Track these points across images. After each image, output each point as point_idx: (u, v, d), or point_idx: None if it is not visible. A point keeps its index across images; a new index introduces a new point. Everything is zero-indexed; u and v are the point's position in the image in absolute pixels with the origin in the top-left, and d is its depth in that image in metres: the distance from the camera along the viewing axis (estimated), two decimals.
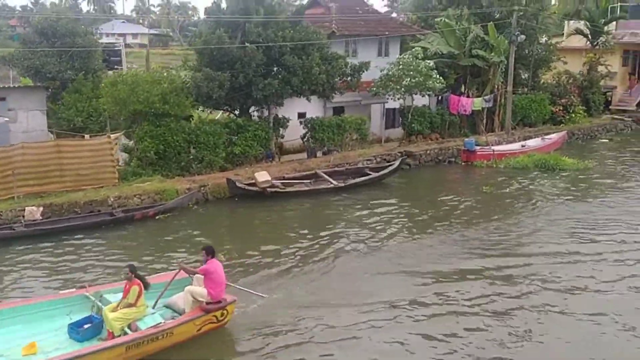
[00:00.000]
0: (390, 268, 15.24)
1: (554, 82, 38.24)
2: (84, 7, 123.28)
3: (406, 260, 15.80)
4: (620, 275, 14.69)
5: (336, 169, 24.45)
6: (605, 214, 19.99)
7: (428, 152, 27.86)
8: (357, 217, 19.95)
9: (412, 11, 37.26)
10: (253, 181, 21.61)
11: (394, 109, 31.37)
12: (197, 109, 25.06)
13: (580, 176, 25.51)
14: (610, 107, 42.89)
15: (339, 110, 29.99)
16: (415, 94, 29.13)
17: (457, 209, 20.89)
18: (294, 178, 23.22)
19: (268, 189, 21.53)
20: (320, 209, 21.02)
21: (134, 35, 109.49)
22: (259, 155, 24.71)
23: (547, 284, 14.19)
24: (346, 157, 25.75)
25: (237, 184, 21.29)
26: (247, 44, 22.58)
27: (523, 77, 35.44)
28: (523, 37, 31.21)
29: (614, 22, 43.50)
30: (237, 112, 25.38)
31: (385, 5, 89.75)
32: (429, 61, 28.76)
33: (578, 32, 40.30)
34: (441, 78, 28.86)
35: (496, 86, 32.58)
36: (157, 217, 19.06)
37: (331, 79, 24.94)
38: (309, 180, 23.30)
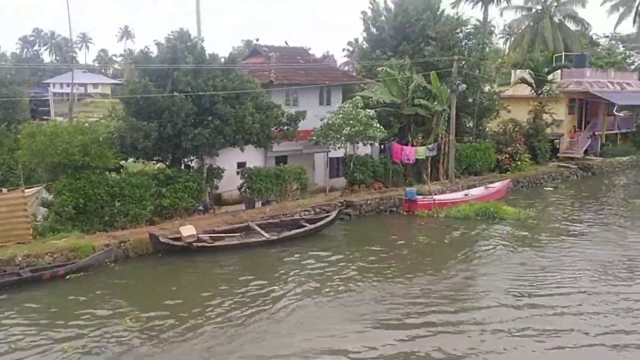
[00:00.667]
0: (313, 326, 14.34)
1: (501, 130, 38.51)
2: (46, 57, 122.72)
3: (331, 316, 14.93)
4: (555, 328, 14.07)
5: (271, 221, 23.59)
6: (542, 264, 19.54)
7: (369, 202, 27.27)
8: (286, 271, 19.03)
9: (358, 60, 37.33)
10: (178, 235, 20.57)
11: (338, 158, 30.90)
12: (126, 160, 24.07)
13: (519, 225, 25.14)
14: (558, 154, 43.44)
15: (281, 160, 29.36)
16: (357, 142, 28.80)
17: (390, 260, 20.19)
18: (224, 231, 22.24)
19: (194, 244, 20.50)
20: (249, 264, 20.03)
21: (95, 85, 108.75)
22: (190, 207, 23.72)
23: (483, 334, 13.62)
24: (284, 208, 24.94)
25: (161, 238, 20.22)
26: (175, 93, 21.92)
27: (468, 125, 35.50)
28: (464, 86, 31.38)
29: (560, 71, 44.63)
30: (167, 163, 24.46)
31: (344, 56, 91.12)
32: (369, 110, 28.55)
33: (523, 81, 40.96)
34: (382, 127, 28.62)
35: (440, 135, 32.50)
36: (67, 277, 17.80)
37: (266, 128, 24.36)
38: (240, 234, 22.34)
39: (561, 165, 38.42)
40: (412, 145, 32.40)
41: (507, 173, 35.63)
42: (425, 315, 15.16)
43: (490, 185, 31.04)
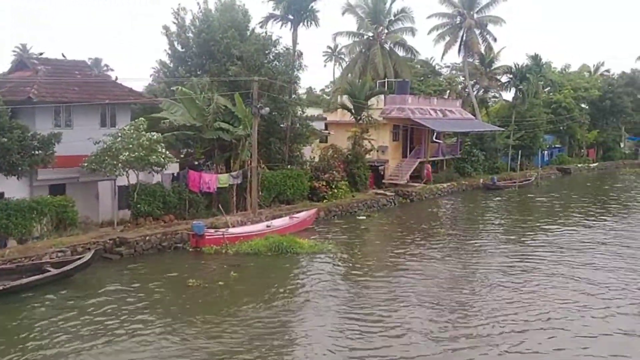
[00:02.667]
0: None
1: (320, 156, 37.02)
2: None
3: None
4: None
5: (6, 266, 19.30)
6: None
7: (148, 238, 23.74)
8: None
9: (160, 80, 33.95)
10: None
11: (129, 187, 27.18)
12: None
13: (312, 261, 22.97)
14: (383, 181, 42.89)
15: (57, 189, 25.09)
16: (144, 170, 25.37)
17: (144, 311, 16.84)
18: None
19: None
20: None
21: None
22: None
23: None
24: (30, 250, 20.71)
25: None
26: None
27: (280, 151, 33.33)
28: (267, 109, 29.22)
29: (383, 97, 44.43)
30: None
31: (150, 75, 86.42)
32: (153, 133, 25.24)
33: (343, 106, 39.95)
34: (168, 153, 25.46)
35: (246, 161, 29.94)
36: None
37: (7, 154, 20.14)
38: None
39: (378, 192, 37.52)
40: (217, 172, 29.58)
41: (324, 201, 33.95)
42: None
43: (295, 216, 28.87)
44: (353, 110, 38.99)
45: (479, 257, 24.13)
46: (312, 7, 33.98)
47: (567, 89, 63.17)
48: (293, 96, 33.34)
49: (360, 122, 39.19)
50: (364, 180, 38.25)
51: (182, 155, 30.65)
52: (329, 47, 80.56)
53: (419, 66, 72.74)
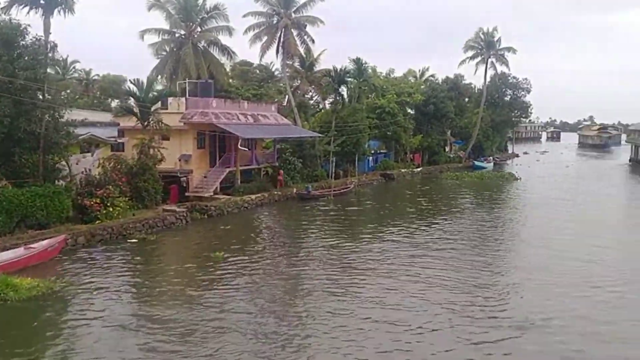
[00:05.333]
0: None
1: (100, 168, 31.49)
2: None
3: None
4: None
5: None
6: None
7: None
8: None
9: None
10: None
11: None
12: None
13: (20, 312, 17.58)
14: (187, 194, 38.16)
15: None
16: None
17: None
18: None
19: None
20: None
21: None
22: None
23: None
24: None
25: None
26: None
27: (28, 164, 27.28)
28: None
29: (184, 100, 39.77)
30: None
31: None
32: None
33: (128, 111, 34.66)
34: None
35: None
36: None
37: None
38: None
39: (167, 209, 32.63)
40: None
41: (96, 222, 28.45)
42: None
43: (31, 245, 23.05)
44: (139, 115, 33.82)
45: (247, 291, 20.28)
46: None
47: (390, 94, 62.73)
48: (48, 97, 27.38)
49: (149, 128, 34.12)
50: (154, 195, 33.16)
51: None
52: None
53: (257, 71, 69.37)
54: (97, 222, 28.62)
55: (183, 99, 39.89)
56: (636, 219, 37.96)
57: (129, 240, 27.39)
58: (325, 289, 20.08)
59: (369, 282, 21.17)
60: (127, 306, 18.34)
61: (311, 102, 68.73)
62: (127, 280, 21.28)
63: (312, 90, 60.39)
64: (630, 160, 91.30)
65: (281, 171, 44.96)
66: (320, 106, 64.68)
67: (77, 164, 30.50)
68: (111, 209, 29.51)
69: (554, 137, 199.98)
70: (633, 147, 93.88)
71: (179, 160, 38.78)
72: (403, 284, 20.83)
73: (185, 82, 42.30)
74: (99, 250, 25.62)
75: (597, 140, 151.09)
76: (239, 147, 39.38)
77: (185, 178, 39.08)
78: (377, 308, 18.07)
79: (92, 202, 29.11)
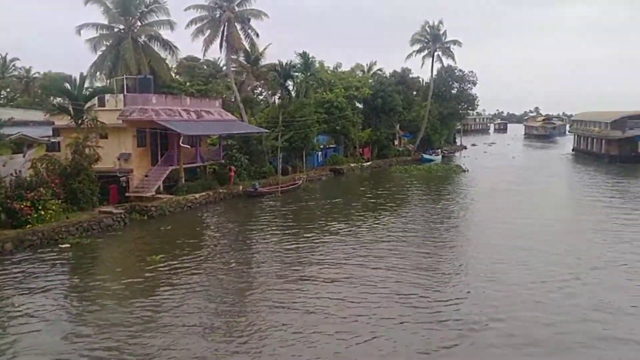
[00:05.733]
0: None
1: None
2: None
3: None
4: None
5: None
6: None
7: None
8: None
9: None
10: None
11: None
12: None
13: None
14: (127, 194, 36.74)
15: None
16: None
17: None
18: None
19: None
20: None
21: None
22: None
23: None
24: None
25: None
26: None
27: None
28: None
29: (122, 97, 38.29)
30: None
31: None
32: None
33: (61, 109, 33.03)
34: None
35: None
36: None
37: None
38: None
39: (103, 211, 31.25)
40: None
41: (27, 227, 26.96)
42: None
43: None
44: (72, 113, 32.28)
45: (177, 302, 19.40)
46: None
47: (338, 88, 62.30)
48: None
49: (83, 126, 32.63)
50: (90, 196, 31.77)
51: None
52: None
53: (205, 66, 67.63)
54: (28, 226, 27.19)
55: (121, 96, 38.39)
56: (573, 208, 38.88)
57: (60, 245, 26.01)
58: (269, 290, 19.45)
59: (316, 276, 20.79)
60: (53, 317, 17.21)
61: (260, 97, 67.75)
62: (54, 287, 20.07)
63: (260, 86, 59.33)
64: (573, 150, 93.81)
65: (232, 167, 44.03)
66: (271, 101, 63.63)
67: (3, 166, 28.82)
68: (43, 212, 28.11)
69: (501, 129, 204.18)
70: (575, 137, 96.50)
71: (118, 159, 37.35)
72: (349, 277, 20.69)
73: (123, 79, 40.67)
74: (26, 257, 24.18)
75: (542, 130, 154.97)
76: (181, 144, 38.19)
77: (125, 178, 37.66)
78: (325, 303, 17.85)
79: (22, 206, 27.63)
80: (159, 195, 36.99)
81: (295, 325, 16.08)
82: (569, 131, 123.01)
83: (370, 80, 71.91)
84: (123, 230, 30.31)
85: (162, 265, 22.73)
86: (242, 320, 16.68)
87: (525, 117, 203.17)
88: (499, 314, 16.93)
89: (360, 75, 75.18)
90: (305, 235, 28.53)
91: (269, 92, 62.32)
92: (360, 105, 68.75)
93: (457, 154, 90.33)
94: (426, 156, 74.14)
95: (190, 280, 20.63)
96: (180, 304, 17.96)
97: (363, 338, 15.24)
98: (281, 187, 44.07)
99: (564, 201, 42.46)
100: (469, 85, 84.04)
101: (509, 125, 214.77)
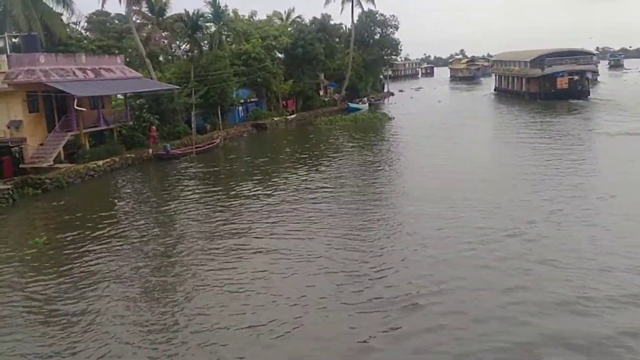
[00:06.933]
0: None
1: None
2: None
3: None
4: None
5: None
6: None
7: None
8: None
9: None
10: None
11: None
12: None
13: None
14: (22, 166, 33.03)
15: None
16: None
17: None
18: None
19: None
20: None
21: None
22: None
23: None
24: None
25: None
26: None
27: None
28: None
29: (5, 57, 34.00)
30: None
31: None
32: None
33: None
34: None
35: None
36: None
37: None
38: None
39: None
40: None
41: None
42: None
43: None
44: None
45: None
46: None
47: (255, 39, 58.94)
48: None
49: None
50: None
51: None
52: None
53: (116, 21, 62.40)
54: None
55: (4, 57, 34.12)
56: (492, 148, 38.42)
57: None
58: (190, 271, 17.21)
59: (242, 248, 18.81)
60: None
61: (173, 52, 63.38)
62: None
63: (167, 38, 55.15)
64: (495, 90, 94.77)
65: (153, 127, 40.73)
66: (182, 55, 59.50)
67: None
68: None
69: (428, 73, 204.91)
70: (497, 77, 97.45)
71: (8, 127, 33.48)
72: (276, 249, 18.77)
73: (4, 37, 36.19)
74: None
75: (467, 72, 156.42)
76: (76, 107, 34.51)
77: (17, 148, 33.84)
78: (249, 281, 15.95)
79: None
80: (57, 165, 33.47)
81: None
82: (491, 71, 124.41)
83: (289, 29, 68.75)
84: (11, 207, 27.01)
85: (47, 249, 19.94)
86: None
87: (451, 60, 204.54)
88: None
89: (278, 23, 71.74)
90: (223, 201, 26.19)
91: (178, 45, 58.16)
92: (280, 56, 65.76)
93: (384, 101, 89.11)
94: (352, 105, 72.39)
95: (85, 268, 18.05)
96: (78, 296, 15.51)
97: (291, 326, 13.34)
98: (197, 147, 41.19)
99: (484, 144, 41.99)
100: (391, 30, 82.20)
101: (435, 69, 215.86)
